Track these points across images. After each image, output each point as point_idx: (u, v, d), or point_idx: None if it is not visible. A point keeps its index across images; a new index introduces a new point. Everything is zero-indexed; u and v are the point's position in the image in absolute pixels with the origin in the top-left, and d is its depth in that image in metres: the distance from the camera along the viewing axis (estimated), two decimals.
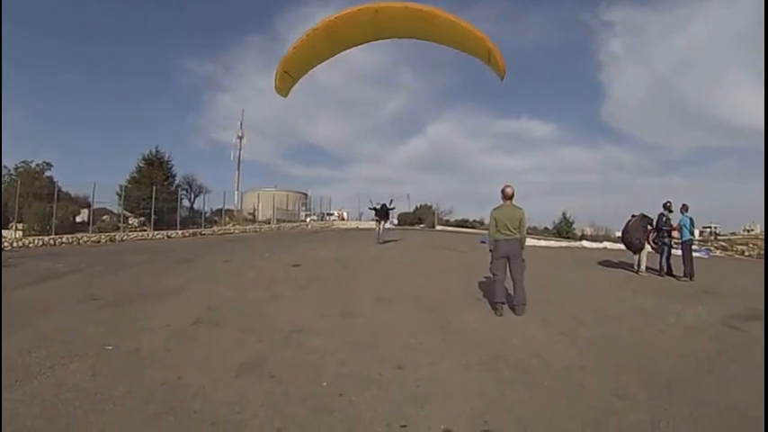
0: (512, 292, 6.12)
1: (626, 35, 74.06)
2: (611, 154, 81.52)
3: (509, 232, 6.06)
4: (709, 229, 42.87)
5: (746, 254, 25.73)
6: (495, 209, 6.22)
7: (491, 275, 6.26)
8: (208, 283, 8.10)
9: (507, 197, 6.16)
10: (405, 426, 2.82)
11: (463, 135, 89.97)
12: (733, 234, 40.09)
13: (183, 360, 3.99)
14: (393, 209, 17.77)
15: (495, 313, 5.94)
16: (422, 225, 37.62)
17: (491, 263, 6.23)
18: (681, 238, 10.40)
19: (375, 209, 16.84)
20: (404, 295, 7.18)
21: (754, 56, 66.28)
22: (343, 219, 38.49)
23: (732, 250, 27.66)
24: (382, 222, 17.03)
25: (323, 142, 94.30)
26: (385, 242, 16.54)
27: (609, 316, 6.24)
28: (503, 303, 5.99)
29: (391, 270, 10.22)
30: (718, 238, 37.95)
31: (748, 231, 41.28)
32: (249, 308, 6.19)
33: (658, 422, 2.95)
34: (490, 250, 6.27)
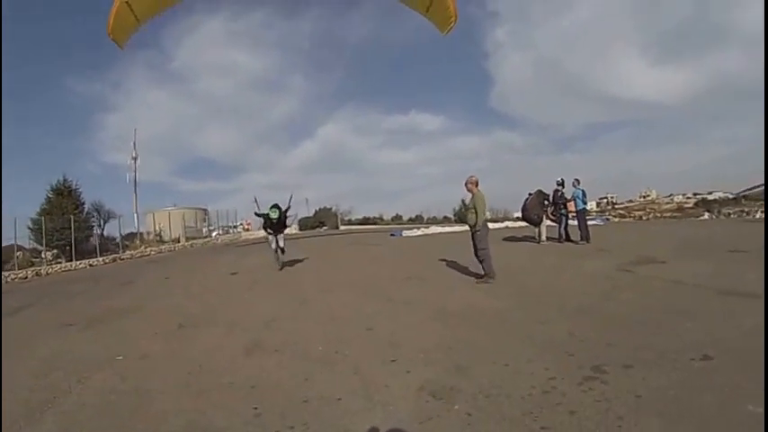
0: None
1: (511, 22, 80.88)
2: (502, 138, 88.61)
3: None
4: (606, 200, 47.91)
5: (644, 218, 29.94)
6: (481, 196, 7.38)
7: (486, 249, 7.37)
8: (164, 297, 8.49)
9: (476, 186, 7.38)
10: (395, 360, 3.93)
11: (355, 133, 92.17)
12: (630, 202, 44.85)
13: (192, 353, 4.67)
14: (289, 216, 11.25)
15: (492, 280, 7.20)
16: (324, 227, 38.55)
17: (483, 241, 7.37)
18: (575, 209, 12.69)
19: (266, 216, 10.68)
20: (343, 283, 8.34)
21: (638, 30, 75.90)
22: (248, 229, 38.58)
23: (630, 216, 32.20)
24: (278, 237, 10.88)
25: (214, 154, 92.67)
26: (284, 266, 11.20)
27: (523, 272, 7.92)
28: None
29: (322, 266, 11.36)
30: (616, 206, 42.64)
31: (645, 197, 45.65)
32: (218, 310, 6.86)
33: (572, 332, 4.37)
34: (477, 231, 7.36)
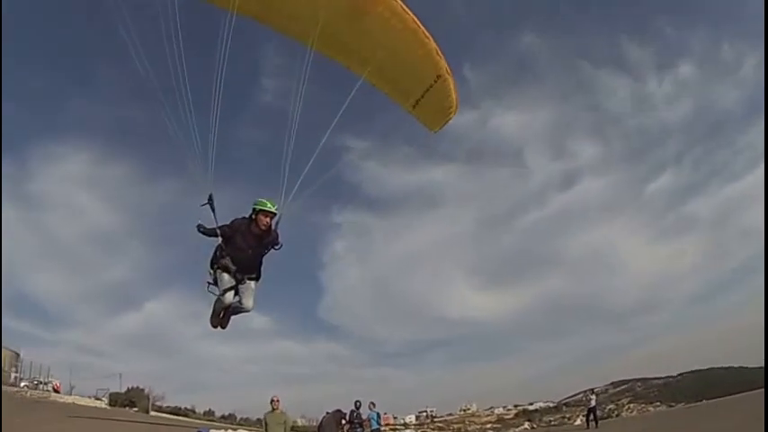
0: None
1: (350, 238, 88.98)
2: (327, 347, 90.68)
3: None
4: (425, 413, 47.20)
5: (463, 430, 31.03)
6: (267, 413, 7.57)
7: None
8: None
9: (275, 404, 7.54)
10: None
11: (180, 317, 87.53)
12: (450, 415, 45.67)
13: None
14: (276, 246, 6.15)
15: None
16: (135, 409, 34.38)
17: None
18: (371, 429, 13.36)
19: (235, 228, 5.62)
20: None
21: (467, 257, 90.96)
22: (58, 391, 31.78)
23: (449, 429, 33.21)
24: (243, 285, 5.84)
25: (40, 295, 78.48)
26: None
27: None
28: None
29: None
30: (435, 420, 43.44)
31: (465, 411, 46.83)
32: None
33: None
34: None
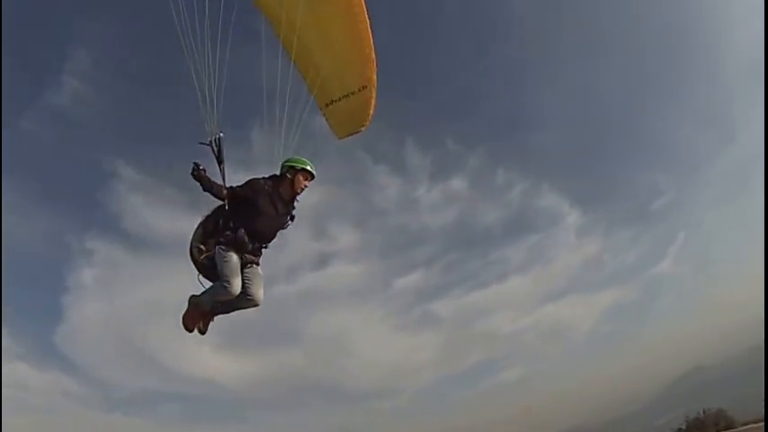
0: None
1: (103, 268, 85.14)
2: (59, 380, 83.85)
3: None
4: None
5: None
6: None
7: None
8: None
9: None
10: None
11: None
12: None
13: None
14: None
15: None
16: None
17: None
18: None
19: (252, 187, 4.79)
20: None
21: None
22: None
23: None
24: (251, 269, 4.71)
25: None
26: None
27: None
28: None
29: None
30: None
31: None
32: None
33: None
34: None
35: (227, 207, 4.15)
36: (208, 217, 4.26)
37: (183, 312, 4.21)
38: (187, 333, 4.17)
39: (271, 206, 4.21)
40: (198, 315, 4.21)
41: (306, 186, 4.37)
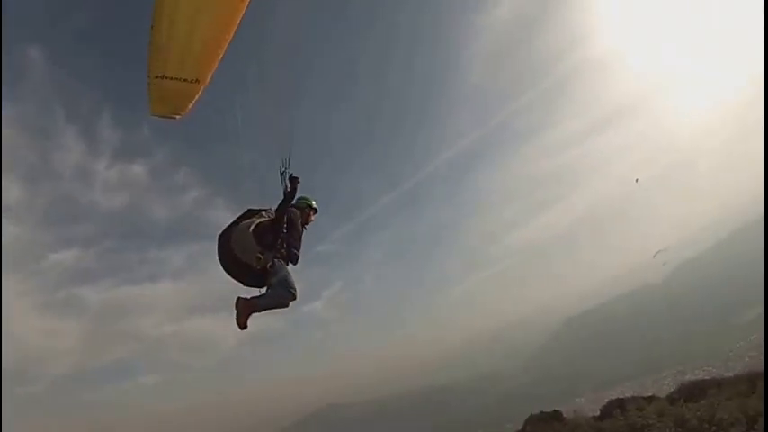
0: None
1: None
2: None
3: None
4: None
5: None
6: None
7: None
8: None
9: None
10: None
11: None
12: None
13: None
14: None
15: None
16: None
17: None
18: None
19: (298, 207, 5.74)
20: None
21: None
22: None
23: None
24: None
25: None
26: None
27: None
28: None
29: None
30: None
31: None
32: None
33: None
34: None
35: (285, 226, 4.77)
36: (264, 229, 4.71)
37: (237, 314, 4.55)
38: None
39: (299, 235, 4.93)
40: (250, 315, 4.64)
41: (313, 221, 5.24)
